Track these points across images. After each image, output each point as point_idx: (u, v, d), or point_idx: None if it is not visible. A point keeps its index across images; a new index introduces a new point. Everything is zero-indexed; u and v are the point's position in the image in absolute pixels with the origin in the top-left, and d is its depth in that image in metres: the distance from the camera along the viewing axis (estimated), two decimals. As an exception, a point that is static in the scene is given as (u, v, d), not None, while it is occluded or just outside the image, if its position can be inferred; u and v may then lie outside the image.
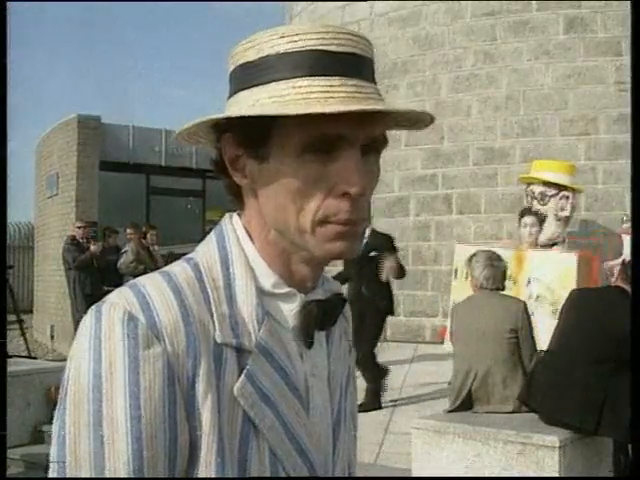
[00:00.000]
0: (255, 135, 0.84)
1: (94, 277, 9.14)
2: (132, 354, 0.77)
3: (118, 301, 0.80)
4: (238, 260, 0.88)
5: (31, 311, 15.61)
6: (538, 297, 5.14)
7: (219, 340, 0.82)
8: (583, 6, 9.75)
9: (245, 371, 0.83)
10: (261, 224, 0.89)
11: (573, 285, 4.91)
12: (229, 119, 0.85)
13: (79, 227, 9.55)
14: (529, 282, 5.27)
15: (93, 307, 0.82)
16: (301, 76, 0.82)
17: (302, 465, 0.87)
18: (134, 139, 14.35)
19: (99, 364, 0.77)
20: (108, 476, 0.75)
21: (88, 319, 0.81)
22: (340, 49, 0.83)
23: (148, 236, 9.71)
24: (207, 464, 0.79)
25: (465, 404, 4.15)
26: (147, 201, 14.83)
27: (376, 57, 0.89)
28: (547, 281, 5.14)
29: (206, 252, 0.89)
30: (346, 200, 0.83)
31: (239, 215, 0.92)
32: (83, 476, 0.76)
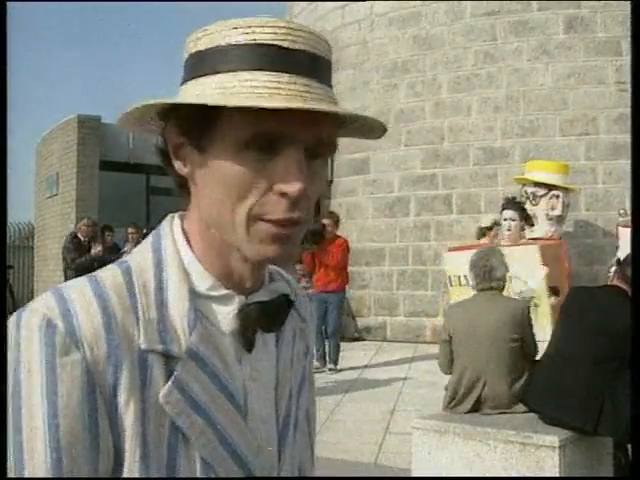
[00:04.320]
0: (197, 125, 0.82)
1: None
2: (49, 361, 0.75)
3: (38, 307, 0.78)
4: (172, 263, 0.85)
5: (31, 311, 15.59)
6: (521, 293, 5.14)
7: (143, 346, 0.79)
8: (583, 6, 9.76)
9: (172, 378, 0.80)
10: (201, 220, 0.86)
11: (542, 276, 4.92)
12: (174, 108, 0.83)
13: (87, 226, 9.54)
14: (511, 280, 5.28)
15: (15, 314, 0.80)
16: (249, 69, 0.79)
17: (238, 470, 0.85)
18: (134, 139, 14.33)
19: (18, 371, 0.76)
20: None
21: (10, 326, 0.79)
22: (293, 46, 0.80)
23: (148, 236, 9.72)
24: (130, 472, 0.78)
25: (470, 411, 4.08)
26: (147, 201, 14.81)
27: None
28: (522, 277, 5.12)
29: (140, 255, 0.87)
30: (284, 199, 0.80)
31: (181, 217, 0.90)
32: None
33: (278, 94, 0.78)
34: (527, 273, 5.07)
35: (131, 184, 14.61)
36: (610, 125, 9.52)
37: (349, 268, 8.65)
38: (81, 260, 9.16)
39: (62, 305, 0.78)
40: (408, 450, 4.13)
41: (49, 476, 0.74)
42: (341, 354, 8.21)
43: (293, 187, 0.79)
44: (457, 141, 10.19)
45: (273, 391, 0.91)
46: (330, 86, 0.85)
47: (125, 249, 9.43)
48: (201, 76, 0.82)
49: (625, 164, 8.45)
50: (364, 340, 10.32)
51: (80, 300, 0.79)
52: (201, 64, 0.82)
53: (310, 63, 0.81)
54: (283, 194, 0.80)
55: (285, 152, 0.80)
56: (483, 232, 8.86)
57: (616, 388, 3.56)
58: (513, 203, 5.96)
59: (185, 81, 0.85)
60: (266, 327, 0.88)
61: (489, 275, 4.16)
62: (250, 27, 0.80)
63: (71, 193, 13.05)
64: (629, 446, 3.71)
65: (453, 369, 4.25)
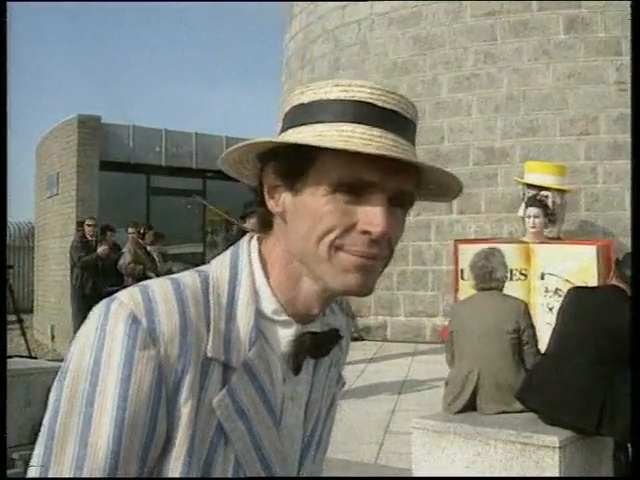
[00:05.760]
0: (294, 168, 0.91)
1: (95, 278, 9.14)
2: (129, 352, 0.86)
3: (127, 301, 0.88)
4: (245, 283, 0.94)
5: (31, 311, 15.60)
6: (557, 291, 5.11)
7: (209, 354, 0.89)
8: (583, 6, 9.75)
9: (227, 386, 0.90)
10: (284, 252, 0.95)
11: (594, 277, 4.92)
12: (272, 152, 0.93)
13: (90, 225, 9.52)
14: (542, 277, 5.23)
15: (104, 301, 0.90)
16: (346, 122, 0.89)
17: (264, 474, 0.94)
18: (134, 139, 14.34)
19: (100, 353, 0.86)
20: (89, 450, 0.84)
21: (98, 311, 0.89)
22: (385, 105, 0.90)
23: (146, 236, 9.69)
24: (175, 459, 0.88)
25: (467, 406, 4.11)
26: (147, 201, 14.81)
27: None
28: (565, 275, 5.09)
29: (218, 268, 0.96)
30: (366, 237, 0.89)
31: (259, 240, 0.99)
32: (68, 446, 0.85)
33: (370, 144, 0.87)
34: (573, 271, 5.05)
35: (131, 184, 14.61)
36: (610, 125, 9.51)
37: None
38: (87, 258, 9.15)
39: (147, 303, 0.88)
40: (408, 450, 4.13)
41: (109, 447, 0.84)
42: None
43: (376, 228, 0.88)
44: (457, 141, 10.19)
45: (304, 413, 1.01)
46: (414, 145, 0.94)
47: (124, 250, 9.41)
48: (302, 125, 0.92)
49: (625, 164, 8.45)
50: (364, 340, 10.32)
51: (163, 301, 0.89)
52: (303, 114, 0.92)
53: (399, 122, 0.92)
54: (366, 232, 0.89)
55: (371, 197, 0.89)
56: None
57: (616, 388, 3.55)
58: (536, 201, 5.99)
59: (286, 129, 0.95)
60: (314, 355, 0.98)
61: (489, 276, 4.23)
62: (350, 86, 0.91)
63: (71, 193, 13.04)
64: (629, 446, 3.71)
65: (454, 365, 4.31)
